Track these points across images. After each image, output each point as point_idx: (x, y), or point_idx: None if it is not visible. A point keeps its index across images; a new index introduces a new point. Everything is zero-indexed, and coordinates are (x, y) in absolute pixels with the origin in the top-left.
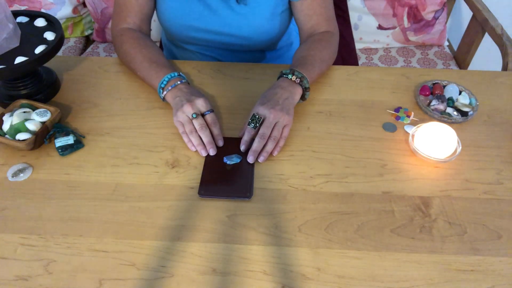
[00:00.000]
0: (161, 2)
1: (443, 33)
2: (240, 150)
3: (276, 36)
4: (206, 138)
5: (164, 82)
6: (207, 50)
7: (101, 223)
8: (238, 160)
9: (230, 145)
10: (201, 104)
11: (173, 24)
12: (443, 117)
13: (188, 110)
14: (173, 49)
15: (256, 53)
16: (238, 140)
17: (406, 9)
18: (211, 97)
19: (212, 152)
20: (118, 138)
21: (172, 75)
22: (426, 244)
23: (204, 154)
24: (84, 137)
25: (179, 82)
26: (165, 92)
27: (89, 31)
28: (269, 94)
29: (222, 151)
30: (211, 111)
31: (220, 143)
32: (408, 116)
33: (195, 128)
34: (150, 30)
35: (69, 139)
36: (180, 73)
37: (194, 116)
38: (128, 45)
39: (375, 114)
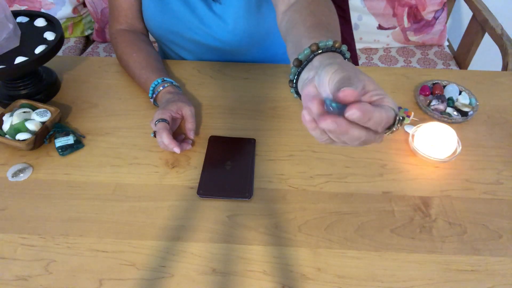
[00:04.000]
0: None
1: (443, 33)
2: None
3: (257, 38)
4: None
5: (150, 93)
6: (190, 53)
7: (101, 223)
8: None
9: (231, 145)
10: (155, 117)
11: (151, 22)
12: (443, 117)
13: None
14: (162, 46)
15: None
16: (239, 140)
17: (406, 9)
18: (211, 97)
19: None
20: (118, 138)
21: (155, 82)
22: (426, 244)
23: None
24: (84, 137)
25: (161, 89)
26: (151, 100)
27: (89, 31)
28: None
29: (222, 152)
30: (161, 120)
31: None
32: (408, 116)
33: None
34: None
35: (69, 139)
36: (164, 78)
37: (152, 135)
38: (121, 50)
39: None
